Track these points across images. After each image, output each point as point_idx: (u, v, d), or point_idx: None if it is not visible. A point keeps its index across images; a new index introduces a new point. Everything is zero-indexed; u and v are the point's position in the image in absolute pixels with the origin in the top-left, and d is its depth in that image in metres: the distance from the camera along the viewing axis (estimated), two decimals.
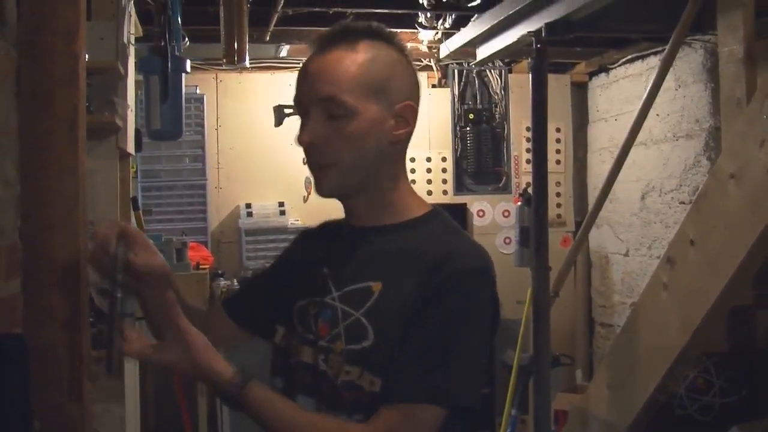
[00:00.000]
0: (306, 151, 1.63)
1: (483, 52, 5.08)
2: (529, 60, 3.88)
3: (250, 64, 5.70)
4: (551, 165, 6.09)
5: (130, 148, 3.80)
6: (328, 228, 1.81)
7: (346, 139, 1.57)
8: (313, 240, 1.82)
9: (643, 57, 5.55)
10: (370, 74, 1.58)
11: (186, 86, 5.65)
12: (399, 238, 1.62)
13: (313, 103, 1.59)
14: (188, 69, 3.69)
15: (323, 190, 1.64)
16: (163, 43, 3.49)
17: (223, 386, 1.53)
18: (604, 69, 6.05)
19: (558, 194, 6.23)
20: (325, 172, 1.61)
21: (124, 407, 3.25)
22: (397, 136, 1.62)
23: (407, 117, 1.63)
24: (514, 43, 4.51)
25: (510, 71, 6.13)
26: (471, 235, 5.80)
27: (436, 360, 1.49)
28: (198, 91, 5.87)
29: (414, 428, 1.49)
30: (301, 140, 1.60)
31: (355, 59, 1.58)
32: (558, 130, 6.19)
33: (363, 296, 1.58)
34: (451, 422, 1.51)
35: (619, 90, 5.89)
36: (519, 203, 4.67)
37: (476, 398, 1.54)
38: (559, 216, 6.23)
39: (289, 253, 1.88)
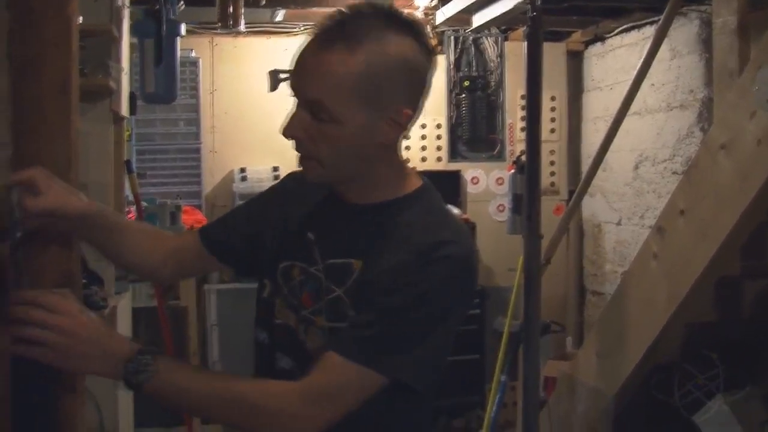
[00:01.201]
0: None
1: (479, 19, 5.07)
2: (525, 28, 3.87)
3: (246, 28, 5.70)
4: (545, 133, 6.11)
5: (125, 111, 3.81)
6: (313, 186, 1.73)
7: (329, 141, 1.54)
8: (299, 193, 1.76)
9: (638, 26, 5.54)
10: (365, 83, 1.50)
11: (181, 50, 5.64)
12: (385, 217, 1.61)
13: (301, 99, 1.55)
14: (183, 32, 3.70)
15: (308, 179, 1.63)
16: (157, 7, 3.49)
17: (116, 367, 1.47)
18: (600, 38, 6.04)
19: (552, 162, 6.24)
20: (307, 164, 1.60)
21: None
22: (388, 140, 1.59)
23: (401, 122, 1.57)
24: (509, 11, 4.51)
25: (506, 39, 6.11)
26: (465, 203, 5.89)
27: (396, 332, 1.50)
28: (193, 55, 5.85)
29: (347, 385, 1.49)
30: (283, 131, 1.58)
31: (352, 66, 1.49)
32: (553, 98, 6.18)
33: (345, 272, 1.58)
34: (389, 395, 1.52)
35: (615, 59, 5.88)
36: (512, 171, 4.70)
37: (423, 382, 1.55)
38: (552, 184, 6.24)
39: (275, 196, 1.85)
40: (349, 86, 1.50)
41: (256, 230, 1.80)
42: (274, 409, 1.50)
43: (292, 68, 1.56)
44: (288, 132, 1.57)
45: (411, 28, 1.54)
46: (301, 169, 1.66)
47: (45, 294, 1.46)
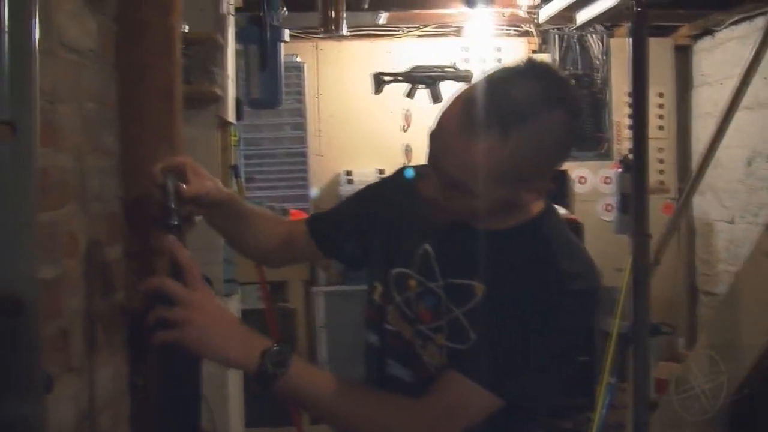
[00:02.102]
0: None
1: (582, 16, 5.00)
2: (629, 24, 3.80)
3: (349, 32, 5.75)
4: (653, 131, 5.98)
5: (231, 116, 3.88)
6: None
7: (465, 206, 1.50)
8: (410, 194, 1.68)
9: (750, 18, 5.37)
10: (512, 168, 1.42)
11: (286, 55, 5.73)
12: (508, 242, 1.56)
13: (441, 169, 1.46)
14: (286, 38, 3.74)
15: (431, 218, 1.59)
16: (261, 13, 3.54)
17: (250, 364, 1.43)
18: (709, 31, 5.87)
19: (660, 161, 6.11)
20: (437, 212, 1.56)
21: None
22: (521, 205, 1.53)
23: (540, 191, 1.51)
24: (613, 7, 4.43)
25: (611, 36, 6.01)
26: (572, 203, 5.81)
27: (519, 359, 1.49)
28: (298, 60, 5.92)
29: (469, 406, 1.50)
30: (422, 190, 1.53)
31: (502, 155, 1.39)
32: (660, 95, 6.05)
33: (466, 294, 1.56)
34: (509, 415, 1.51)
35: (725, 53, 5.71)
36: (619, 169, 4.61)
37: (542, 406, 1.57)
38: (661, 183, 6.11)
39: (385, 192, 1.83)
40: (496, 173, 1.43)
41: (363, 228, 1.81)
42: (403, 428, 1.52)
43: (438, 124, 1.46)
44: (425, 194, 1.53)
45: (565, 99, 1.44)
46: (413, 165, 1.66)
47: (170, 282, 1.44)
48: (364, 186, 1.94)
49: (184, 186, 1.63)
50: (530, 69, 1.43)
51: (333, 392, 1.49)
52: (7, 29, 0.96)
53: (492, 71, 1.45)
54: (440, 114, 1.46)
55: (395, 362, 1.68)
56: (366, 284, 1.80)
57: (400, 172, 1.83)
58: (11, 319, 0.95)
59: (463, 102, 1.42)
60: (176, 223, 1.54)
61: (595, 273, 1.56)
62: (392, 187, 1.81)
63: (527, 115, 1.38)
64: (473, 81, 1.48)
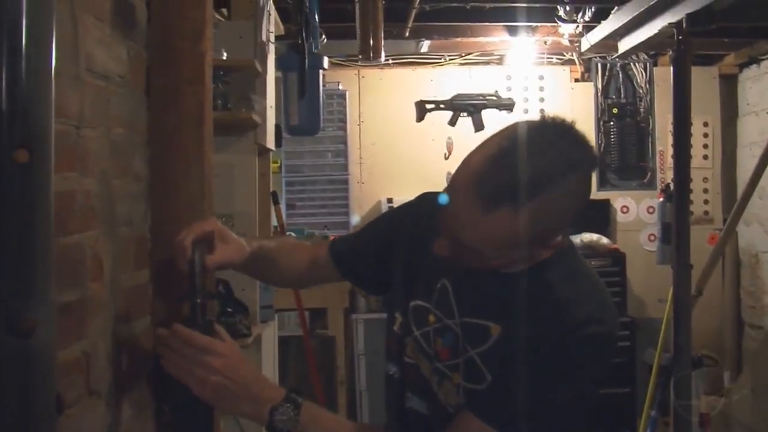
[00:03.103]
0: None
1: (625, 44, 4.97)
2: (671, 52, 3.78)
3: (392, 60, 5.79)
4: (698, 160, 5.92)
5: (270, 143, 3.91)
6: None
7: (479, 263, 1.48)
8: (431, 223, 1.59)
9: None
10: (525, 236, 1.39)
11: (328, 82, 5.81)
12: (524, 283, 1.52)
13: (454, 234, 1.44)
14: (326, 66, 3.75)
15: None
16: (300, 41, 3.56)
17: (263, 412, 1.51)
18: (755, 60, 5.81)
19: (705, 190, 6.04)
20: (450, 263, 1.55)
21: None
22: (535, 257, 1.51)
23: (554, 246, 1.50)
24: (655, 35, 4.39)
25: (655, 64, 5.97)
26: (614, 232, 5.75)
27: (534, 402, 1.47)
28: (340, 87, 5.96)
29: None
30: (436, 249, 1.50)
31: (515, 225, 1.36)
32: (705, 124, 6.00)
33: (482, 335, 1.55)
34: None
35: None
36: (661, 199, 4.57)
37: None
38: (706, 213, 6.04)
39: (408, 218, 1.79)
40: (510, 243, 1.41)
41: (384, 255, 1.80)
42: None
43: (446, 195, 1.42)
44: (439, 252, 1.50)
45: (580, 162, 1.39)
46: (435, 192, 1.63)
47: (199, 336, 1.50)
48: (388, 210, 1.93)
49: (210, 257, 1.63)
50: (542, 135, 1.39)
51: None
52: (24, 53, 0.97)
53: (504, 134, 1.41)
54: (452, 178, 1.43)
55: (413, 395, 1.67)
56: (386, 313, 1.79)
57: (424, 198, 1.80)
58: (23, 341, 0.95)
59: (473, 175, 1.37)
60: (199, 301, 1.55)
61: (612, 315, 1.54)
62: (414, 214, 1.78)
63: (541, 188, 1.35)
64: (491, 136, 1.43)
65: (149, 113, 1.79)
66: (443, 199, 1.42)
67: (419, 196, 1.82)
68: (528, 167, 1.35)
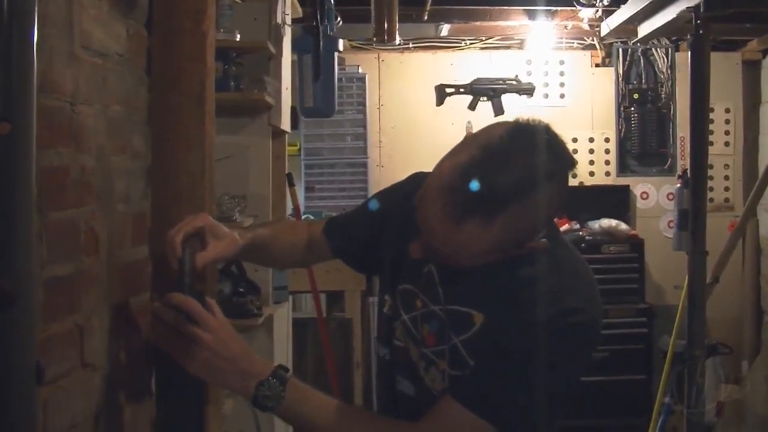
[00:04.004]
0: None
1: (644, 29, 4.94)
2: (689, 37, 3.75)
3: (412, 43, 5.78)
4: (719, 147, 5.89)
5: (285, 125, 3.92)
6: None
7: (457, 261, 1.49)
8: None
9: None
10: (498, 243, 1.41)
11: (348, 66, 5.82)
12: (509, 271, 1.52)
13: (430, 242, 1.46)
14: (340, 48, 3.76)
15: None
16: (315, 23, 3.57)
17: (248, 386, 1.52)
18: None
19: (726, 177, 6.01)
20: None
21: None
22: (517, 254, 1.50)
23: (532, 248, 1.49)
24: (674, 20, 4.36)
25: (677, 49, 5.93)
26: (633, 218, 5.73)
27: (515, 391, 1.49)
28: (360, 71, 5.96)
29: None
30: (412, 253, 1.52)
31: (487, 236, 1.38)
32: (727, 110, 5.96)
33: (465, 323, 1.56)
34: None
35: None
36: (678, 185, 4.55)
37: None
38: (726, 200, 6.01)
39: (398, 199, 1.79)
40: (483, 250, 1.43)
41: (375, 236, 1.81)
42: None
43: (419, 200, 1.45)
44: (413, 255, 1.53)
45: (555, 165, 1.41)
46: (426, 172, 1.62)
47: (193, 303, 1.52)
48: (380, 190, 1.94)
49: (201, 254, 1.63)
50: (515, 144, 1.38)
51: (328, 416, 1.56)
52: (6, 26, 0.98)
53: (477, 142, 1.41)
54: (425, 185, 1.44)
55: (402, 378, 1.69)
56: (378, 295, 1.80)
57: (415, 178, 1.78)
58: (2, 310, 0.97)
59: (444, 187, 1.38)
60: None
61: (595, 306, 1.55)
62: (405, 194, 1.74)
63: (512, 200, 1.36)
64: (465, 141, 1.45)
65: (150, 93, 1.80)
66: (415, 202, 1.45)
67: (410, 176, 1.83)
68: (498, 180, 1.35)
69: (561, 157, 1.42)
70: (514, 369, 1.48)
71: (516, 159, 1.36)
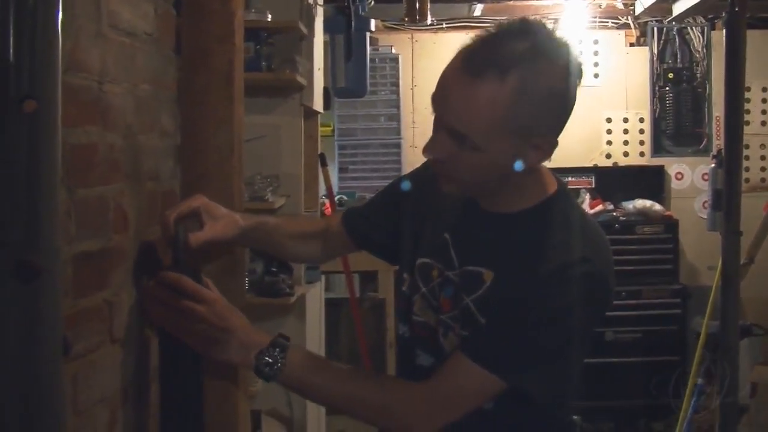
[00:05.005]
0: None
1: (679, 7, 4.89)
2: (723, 14, 3.71)
3: (446, 24, 5.76)
4: (757, 126, 5.82)
5: (318, 105, 3.93)
6: None
7: (471, 167, 1.51)
8: (435, 188, 1.63)
9: None
10: (513, 115, 1.44)
11: (381, 46, 5.81)
12: (517, 227, 1.57)
13: (443, 125, 1.49)
14: (372, 28, 3.77)
15: (443, 190, 1.60)
16: (347, 3, 3.58)
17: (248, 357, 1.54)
18: None
19: (762, 157, 5.93)
20: (445, 181, 1.57)
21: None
22: (531, 165, 1.53)
23: (545, 149, 1.51)
24: None
25: (713, 28, 5.85)
26: (668, 199, 5.69)
27: (524, 344, 1.50)
28: (393, 51, 5.95)
29: (470, 387, 1.52)
30: (424, 152, 1.55)
31: (501, 97, 1.42)
32: (764, 89, 5.87)
33: (476, 281, 1.57)
34: (518, 405, 1.54)
35: None
36: (713, 165, 4.51)
37: (546, 394, 1.56)
38: (763, 180, 5.93)
39: (413, 184, 1.83)
40: (498, 120, 1.44)
41: (395, 222, 1.82)
42: (400, 412, 1.58)
43: (438, 84, 1.51)
44: (429, 154, 1.55)
45: (562, 52, 1.47)
46: None
47: (187, 280, 1.53)
48: (395, 178, 1.96)
49: (196, 234, 1.65)
50: (526, 25, 1.48)
51: (332, 379, 1.59)
52: (31, 5, 1.00)
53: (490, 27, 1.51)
54: (441, 74, 1.51)
55: (422, 352, 1.69)
56: (396, 275, 1.81)
57: (427, 163, 1.79)
58: (27, 285, 0.99)
59: (460, 53, 1.48)
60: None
61: (604, 256, 1.57)
62: (419, 179, 1.81)
63: (524, 60, 1.42)
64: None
65: (180, 72, 1.82)
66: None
67: (424, 163, 1.82)
68: (512, 40, 1.44)
69: (567, 47, 1.49)
70: (522, 322, 1.50)
71: (529, 30, 1.46)
